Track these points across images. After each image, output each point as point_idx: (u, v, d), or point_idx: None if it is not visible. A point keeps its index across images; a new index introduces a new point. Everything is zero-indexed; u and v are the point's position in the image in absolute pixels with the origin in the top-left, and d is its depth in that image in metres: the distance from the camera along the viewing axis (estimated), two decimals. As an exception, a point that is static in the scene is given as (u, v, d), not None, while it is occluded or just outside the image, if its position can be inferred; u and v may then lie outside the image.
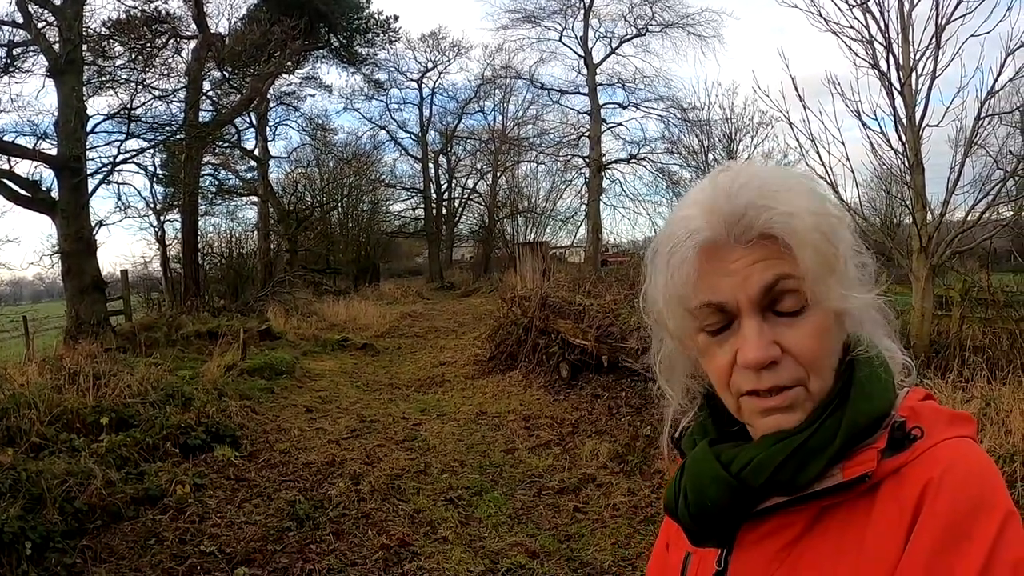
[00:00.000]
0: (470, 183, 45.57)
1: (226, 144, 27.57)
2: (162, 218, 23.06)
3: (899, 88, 8.70)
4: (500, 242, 41.87)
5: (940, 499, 0.94)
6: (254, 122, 30.38)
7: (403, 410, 10.48)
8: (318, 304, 22.94)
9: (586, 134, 36.36)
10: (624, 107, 36.30)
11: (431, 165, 43.98)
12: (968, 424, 1.05)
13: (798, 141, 9.34)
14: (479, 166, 44.64)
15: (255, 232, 30.73)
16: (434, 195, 44.07)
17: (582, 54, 36.14)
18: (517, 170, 42.58)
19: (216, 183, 28.86)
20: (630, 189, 36.85)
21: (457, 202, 46.12)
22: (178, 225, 23.48)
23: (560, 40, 36.62)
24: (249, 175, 31.51)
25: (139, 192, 22.78)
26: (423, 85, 42.57)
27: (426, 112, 43.27)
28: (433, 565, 5.35)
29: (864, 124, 9.04)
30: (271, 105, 31.68)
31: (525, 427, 9.11)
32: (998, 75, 8.50)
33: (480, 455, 8.12)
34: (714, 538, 1.12)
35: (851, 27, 8.97)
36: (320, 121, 36.61)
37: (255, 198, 31.34)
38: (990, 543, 0.90)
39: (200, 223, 24.53)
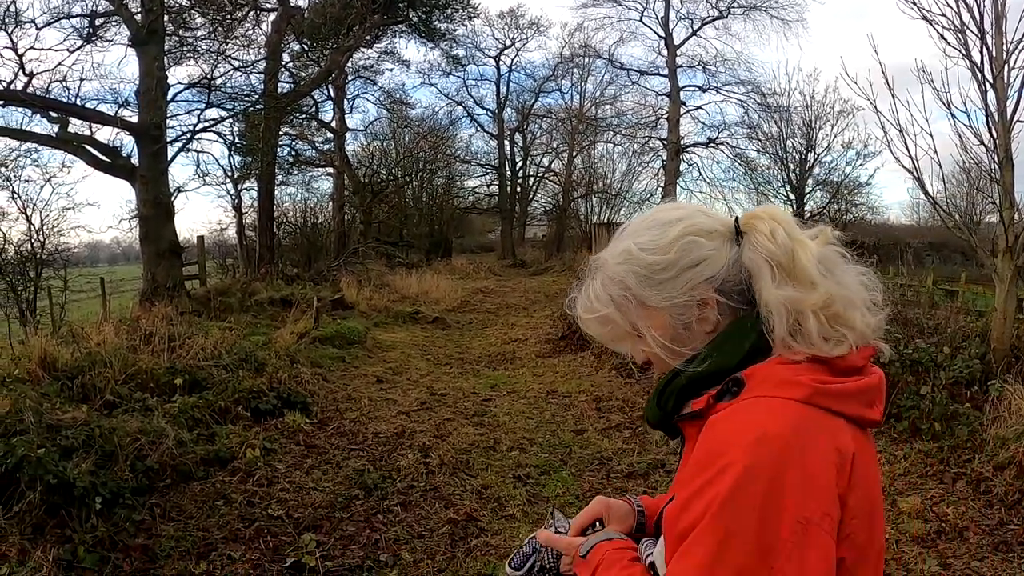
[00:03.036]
0: (545, 161, 45.42)
1: (303, 116, 27.72)
2: (239, 186, 23.27)
3: (991, 81, 8.31)
4: (574, 222, 41.60)
5: (704, 439, 1.30)
6: (332, 95, 30.51)
7: (473, 385, 10.40)
8: (390, 276, 23.02)
9: (664, 116, 35.94)
10: (704, 90, 35.95)
11: (506, 142, 43.89)
12: (792, 388, 1.28)
13: (884, 130, 8.97)
14: (555, 145, 44.45)
15: (330, 203, 30.94)
16: (508, 172, 43.95)
17: (663, 35, 35.76)
18: (593, 150, 42.24)
19: (293, 153, 29.06)
20: (707, 174, 36.43)
21: (531, 180, 45.96)
22: (254, 193, 23.68)
23: (640, 20, 36.23)
24: (325, 147, 31.67)
25: (217, 160, 22.99)
26: (500, 62, 42.64)
27: (503, 89, 43.33)
28: (499, 542, 5.23)
29: (954, 116, 8.66)
30: (349, 78, 31.78)
31: (596, 408, 8.94)
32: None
33: (549, 434, 7.98)
34: (672, 434, 1.51)
35: (942, 15, 8.59)
36: (398, 95, 36.68)
37: (331, 169, 31.54)
38: (703, 484, 1.22)
39: (276, 192, 24.74)
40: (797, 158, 34.33)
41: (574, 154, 42.45)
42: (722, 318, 1.42)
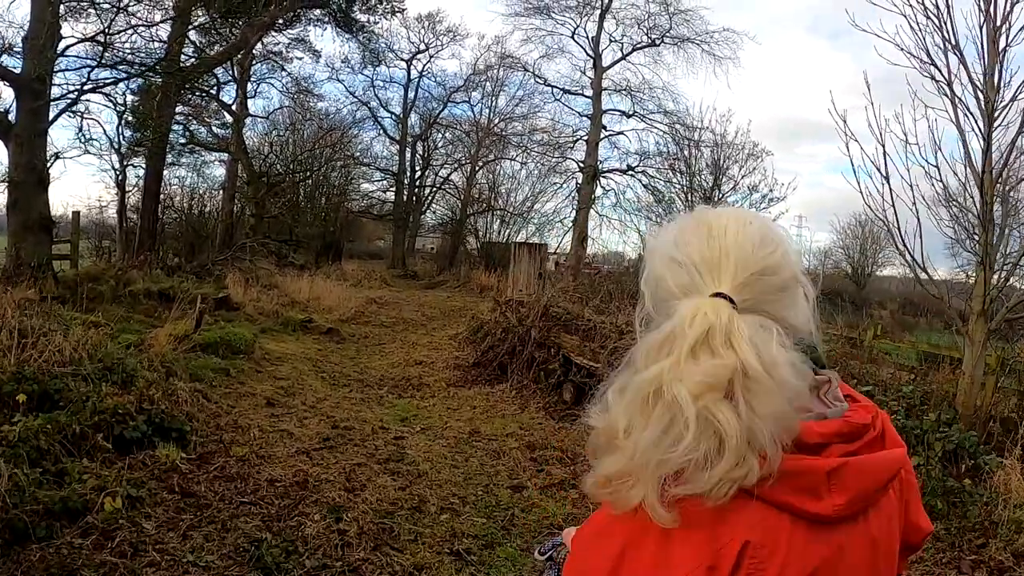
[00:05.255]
0: (444, 172, 44.44)
1: (203, 93, 25.80)
2: (125, 162, 21.05)
3: (986, 136, 7.75)
4: (472, 236, 40.64)
5: None
6: (235, 75, 28.64)
7: (379, 416, 8.96)
8: (280, 277, 21.43)
9: (584, 137, 35.13)
10: (628, 116, 35.19)
11: (408, 149, 42.64)
12: None
13: (856, 176, 8.44)
14: (458, 156, 43.60)
15: (220, 192, 28.99)
16: (407, 180, 42.66)
17: (591, 55, 34.99)
18: (498, 167, 41.46)
19: (187, 133, 27.01)
20: (623, 201, 35.94)
21: (429, 190, 44.79)
22: (141, 172, 21.59)
23: (572, 37, 35.48)
24: (221, 131, 29.81)
25: (104, 129, 20.87)
26: (412, 66, 41.58)
27: (411, 94, 42.23)
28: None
29: (934, 172, 8.15)
30: (256, 61, 30.01)
31: (531, 458, 7.66)
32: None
33: (482, 490, 6.65)
34: None
35: (932, 64, 8.05)
36: (306, 85, 35.08)
37: (225, 156, 29.60)
38: None
39: (164, 173, 22.74)
40: (702, 194, 34.36)
41: (477, 168, 41.56)
42: None
